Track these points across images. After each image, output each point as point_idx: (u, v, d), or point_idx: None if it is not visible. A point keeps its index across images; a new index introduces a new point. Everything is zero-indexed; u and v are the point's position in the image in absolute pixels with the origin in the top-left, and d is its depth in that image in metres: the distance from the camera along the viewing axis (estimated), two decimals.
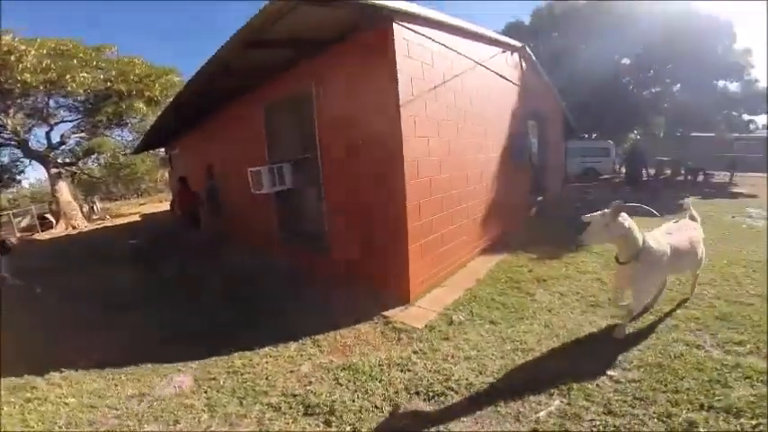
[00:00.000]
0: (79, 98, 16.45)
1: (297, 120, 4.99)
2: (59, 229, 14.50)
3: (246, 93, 5.86)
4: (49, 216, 15.19)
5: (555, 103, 10.62)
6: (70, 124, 17.77)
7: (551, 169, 9.98)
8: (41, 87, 14.29)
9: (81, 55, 14.75)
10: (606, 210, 2.62)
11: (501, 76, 6.21)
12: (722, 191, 11.72)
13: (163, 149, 14.02)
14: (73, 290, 5.58)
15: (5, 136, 16.44)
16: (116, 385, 2.92)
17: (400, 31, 3.53)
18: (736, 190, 12.06)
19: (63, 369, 3.19)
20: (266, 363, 3.03)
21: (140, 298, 4.93)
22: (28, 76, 13.04)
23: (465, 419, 2.19)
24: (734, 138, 20.79)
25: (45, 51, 13.61)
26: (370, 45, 3.67)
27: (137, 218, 15.78)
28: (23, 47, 13.01)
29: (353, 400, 2.45)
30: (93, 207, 19.20)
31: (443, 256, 4.26)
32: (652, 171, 12.61)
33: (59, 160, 17.18)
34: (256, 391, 2.66)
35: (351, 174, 4.15)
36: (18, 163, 18.10)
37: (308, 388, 2.63)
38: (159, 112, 17.93)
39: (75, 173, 18.40)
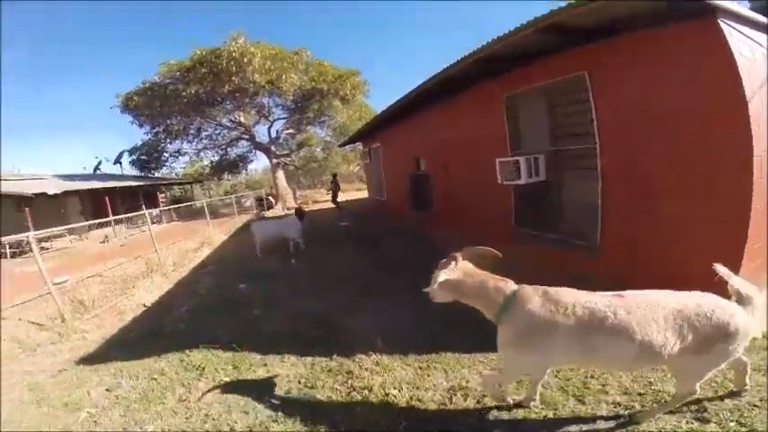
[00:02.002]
0: (289, 98, 19.37)
1: (549, 110, 4.79)
2: (277, 209, 17.91)
3: (478, 82, 5.82)
4: (271, 198, 18.94)
5: None
6: (282, 122, 21.64)
7: None
8: (266, 87, 16.98)
9: (287, 58, 17.14)
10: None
11: None
12: None
13: (359, 144, 15.69)
14: (322, 266, 6.30)
15: (240, 131, 21.03)
16: (427, 375, 2.83)
17: (724, 26, 3.09)
18: None
19: (371, 352, 3.18)
20: None
21: (382, 279, 5.22)
22: (257, 76, 15.74)
23: None
24: None
25: (267, 54, 16.04)
26: (692, 38, 3.24)
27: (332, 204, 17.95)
28: (252, 49, 15.60)
29: (722, 399, 2.19)
30: (295, 193, 23.22)
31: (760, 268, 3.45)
32: None
33: (278, 152, 21.14)
34: (591, 389, 2.43)
35: (655, 170, 3.69)
36: (249, 154, 23.19)
37: (653, 388, 2.36)
38: (349, 111, 20.57)
39: (286, 164, 22.50)
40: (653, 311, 1.87)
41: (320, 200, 22.15)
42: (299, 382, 2.92)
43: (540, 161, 4.78)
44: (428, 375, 2.82)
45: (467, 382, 2.69)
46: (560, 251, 4.72)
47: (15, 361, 3.74)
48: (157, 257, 7.50)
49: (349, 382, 2.84)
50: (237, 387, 2.93)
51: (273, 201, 18.55)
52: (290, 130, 21.86)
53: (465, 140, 6.55)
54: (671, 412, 2.11)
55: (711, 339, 1.81)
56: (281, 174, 19.79)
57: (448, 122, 7.12)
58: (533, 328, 1.96)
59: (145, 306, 5.21)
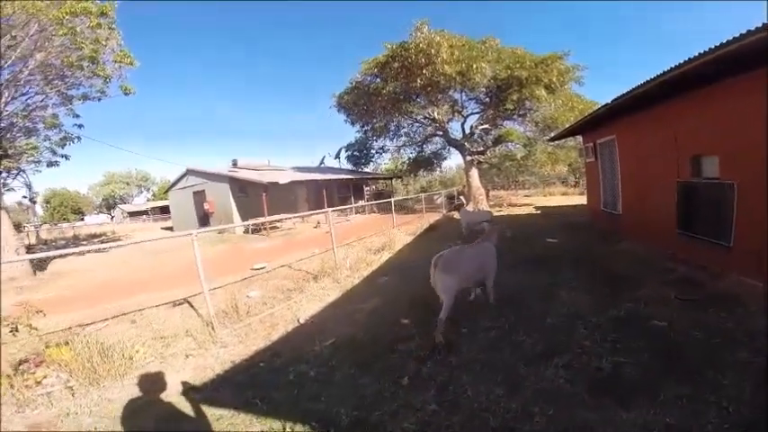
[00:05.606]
0: (481, 90, 17.39)
1: None
2: (468, 210, 16.31)
3: None
4: (462, 197, 17.58)
5: None
6: (476, 116, 19.65)
7: None
8: (456, 79, 15.31)
9: (475, 47, 15.15)
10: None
11: None
12: None
13: (579, 138, 12.37)
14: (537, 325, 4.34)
15: (434, 127, 20.13)
16: None
17: None
18: None
19: None
20: None
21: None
22: (447, 67, 14.19)
23: None
24: None
25: (454, 43, 14.40)
26: None
27: (532, 210, 15.21)
28: (438, 38, 14.15)
29: None
30: (488, 193, 21.15)
31: None
32: None
33: (471, 149, 19.38)
34: None
35: None
36: (442, 150, 22.42)
37: None
38: (555, 99, 16.88)
39: (480, 161, 20.46)
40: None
41: (517, 203, 19.42)
42: None
43: None
44: None
45: None
46: None
47: (142, 372, 3.50)
48: (334, 259, 7.16)
49: None
50: None
51: (464, 200, 17.05)
52: (485, 126, 19.65)
53: None
54: None
55: None
56: (474, 172, 18.02)
57: None
58: None
59: (298, 322, 4.50)
